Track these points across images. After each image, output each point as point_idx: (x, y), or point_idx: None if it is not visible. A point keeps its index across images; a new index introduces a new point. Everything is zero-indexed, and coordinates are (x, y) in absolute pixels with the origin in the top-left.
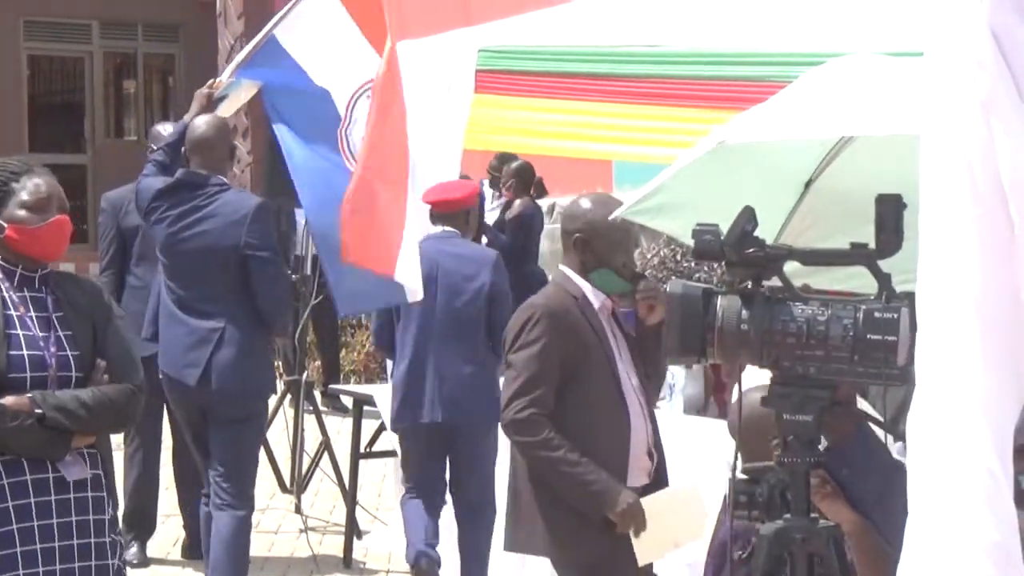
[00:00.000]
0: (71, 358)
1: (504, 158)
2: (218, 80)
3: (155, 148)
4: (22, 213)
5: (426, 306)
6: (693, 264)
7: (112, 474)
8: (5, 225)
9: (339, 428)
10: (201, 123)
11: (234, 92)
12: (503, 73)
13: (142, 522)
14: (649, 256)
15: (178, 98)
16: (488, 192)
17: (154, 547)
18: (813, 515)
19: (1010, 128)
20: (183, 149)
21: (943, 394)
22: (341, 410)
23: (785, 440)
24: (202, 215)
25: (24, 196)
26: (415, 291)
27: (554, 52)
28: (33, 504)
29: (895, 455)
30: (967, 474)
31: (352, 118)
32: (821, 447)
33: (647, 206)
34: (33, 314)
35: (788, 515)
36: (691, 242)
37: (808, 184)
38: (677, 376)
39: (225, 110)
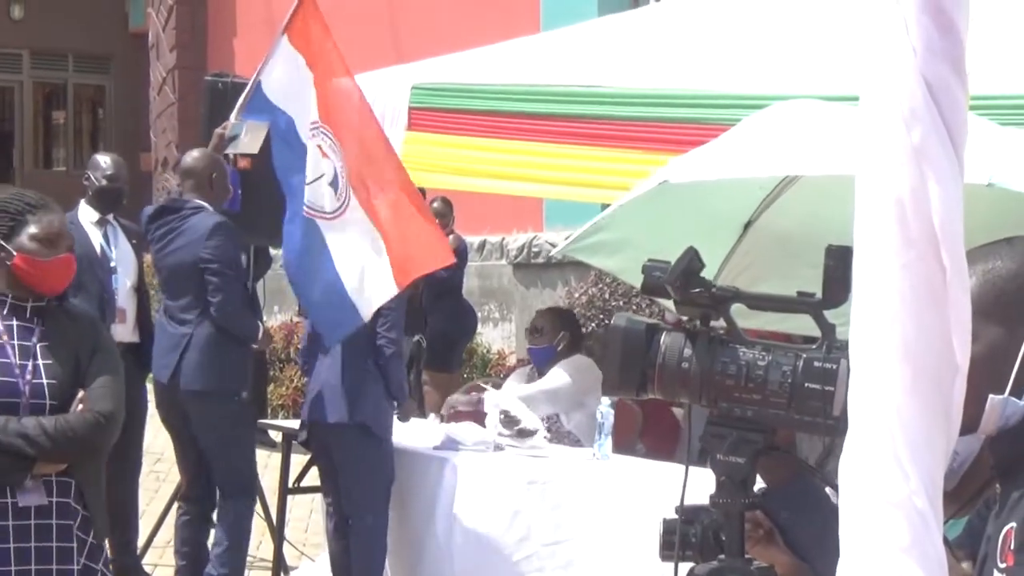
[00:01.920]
0: (46, 386)
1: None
2: (228, 122)
3: (90, 176)
4: (32, 245)
5: None
6: (622, 303)
7: (95, 503)
8: (14, 253)
9: (266, 463)
10: (188, 155)
11: (247, 131)
12: (437, 111)
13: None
14: (577, 295)
15: (108, 129)
16: None
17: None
18: (747, 556)
19: (942, 175)
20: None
21: (873, 437)
22: (269, 445)
23: (719, 481)
24: (175, 235)
25: (35, 229)
26: (368, 308)
27: (487, 91)
28: None
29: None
30: (896, 516)
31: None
32: (759, 490)
33: (587, 243)
34: (16, 342)
35: (722, 556)
36: (628, 279)
37: (747, 225)
38: (607, 416)
39: (249, 147)
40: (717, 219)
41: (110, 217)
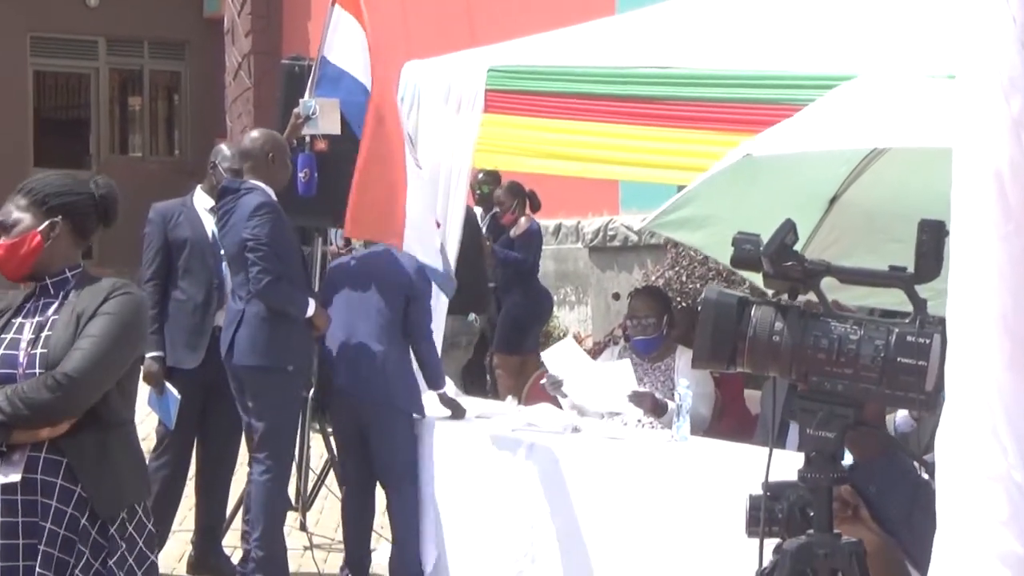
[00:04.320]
0: (38, 356)
1: (491, 174)
2: (301, 101)
3: (216, 165)
4: None
5: None
6: (699, 286)
7: (96, 481)
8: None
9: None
10: (247, 136)
11: (319, 110)
12: (512, 93)
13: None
14: (654, 278)
15: (184, 115)
16: (477, 210)
17: (160, 562)
18: (836, 531)
19: None
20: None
21: (971, 411)
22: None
23: (808, 455)
24: (230, 215)
25: None
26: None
27: (563, 72)
28: None
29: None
30: (995, 489)
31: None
32: (848, 464)
33: (672, 218)
34: (35, 319)
35: (811, 531)
36: (712, 254)
37: (833, 200)
38: (685, 397)
39: (329, 128)
40: (802, 194)
41: None
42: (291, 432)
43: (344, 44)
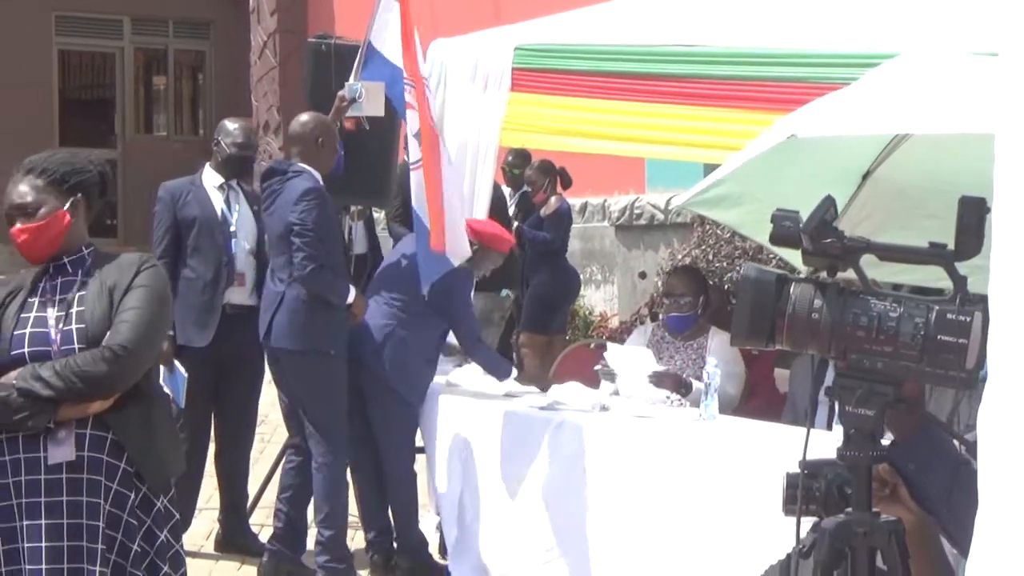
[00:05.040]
0: (74, 332)
1: (521, 155)
2: (347, 84)
3: (220, 142)
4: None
5: None
6: (725, 264)
7: (143, 456)
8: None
9: None
10: (296, 119)
11: (364, 93)
12: (539, 71)
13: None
14: (680, 257)
15: (208, 94)
16: (506, 190)
17: (186, 540)
18: (875, 509)
19: None
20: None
21: (1014, 389)
22: None
23: (847, 433)
24: (275, 197)
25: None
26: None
27: (590, 51)
28: (24, 482)
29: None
30: None
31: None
32: (886, 442)
33: (707, 197)
34: (57, 298)
35: (849, 509)
36: (747, 233)
37: (866, 176)
38: (713, 376)
39: (373, 110)
40: (835, 170)
41: (233, 182)
42: (339, 415)
43: (387, 30)
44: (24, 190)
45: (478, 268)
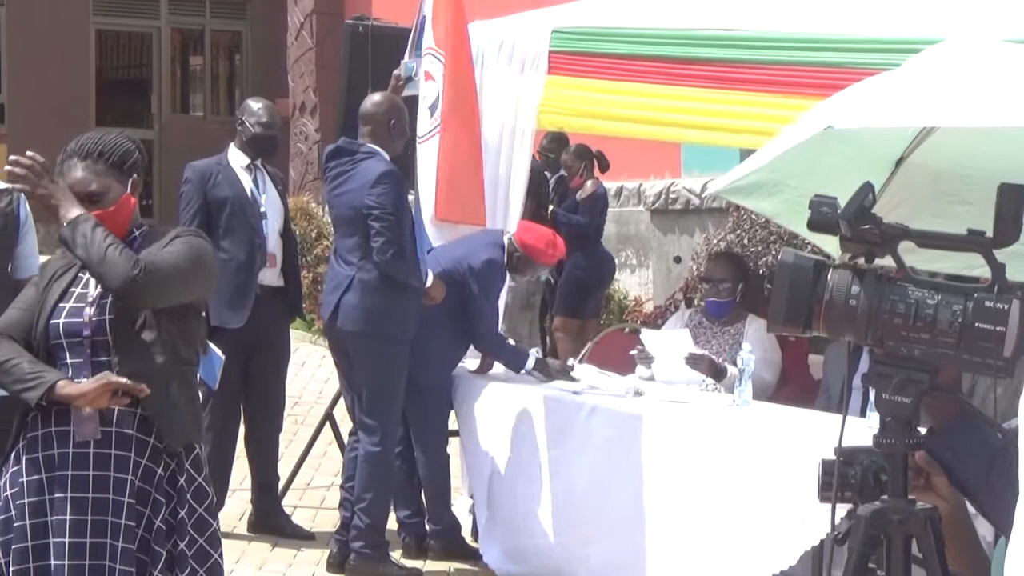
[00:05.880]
0: (106, 323)
1: (557, 139)
2: (402, 63)
3: (244, 122)
4: None
5: None
6: (760, 249)
7: (155, 410)
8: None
9: None
10: (368, 99)
11: (419, 70)
12: (576, 55)
13: None
14: (715, 242)
15: (244, 74)
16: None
17: (219, 521)
18: (911, 497)
19: None
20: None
21: None
22: None
23: (883, 420)
24: (346, 178)
25: None
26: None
27: (627, 34)
28: (55, 456)
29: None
30: None
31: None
32: (924, 430)
33: (742, 184)
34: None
35: (885, 496)
36: (782, 222)
37: (899, 162)
38: (747, 362)
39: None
40: (869, 156)
41: (258, 162)
42: (397, 401)
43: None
44: (87, 176)
45: (519, 274)
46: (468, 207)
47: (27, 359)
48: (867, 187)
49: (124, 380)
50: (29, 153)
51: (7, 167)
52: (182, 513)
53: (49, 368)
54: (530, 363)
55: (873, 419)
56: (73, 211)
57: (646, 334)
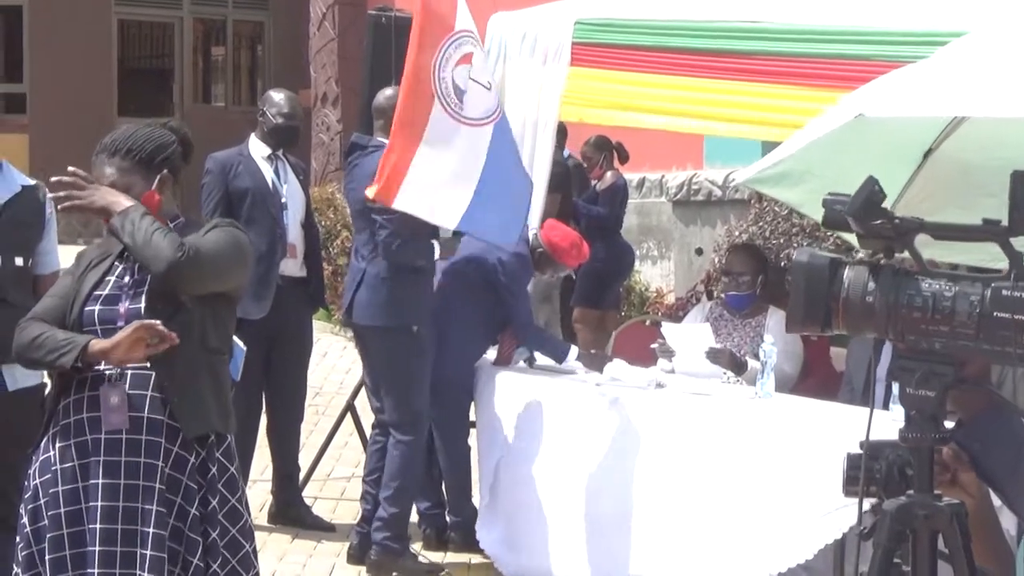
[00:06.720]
0: (142, 311)
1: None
2: None
3: (265, 113)
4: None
5: None
6: (782, 241)
7: (178, 396)
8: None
9: None
10: (381, 93)
11: None
12: (599, 46)
13: None
14: (737, 233)
15: (267, 65)
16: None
17: None
18: (937, 492)
19: None
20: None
21: None
22: None
23: (908, 415)
24: (356, 172)
25: None
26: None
27: (651, 26)
28: (88, 442)
29: None
30: None
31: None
32: (953, 422)
33: (770, 174)
34: (136, 276)
35: (911, 492)
36: (809, 213)
37: (927, 154)
38: (770, 354)
39: None
40: (897, 147)
41: (279, 152)
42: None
43: None
44: (111, 172)
45: (539, 271)
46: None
47: (59, 331)
48: (870, 181)
49: (156, 323)
50: (71, 169)
51: (49, 194)
52: (213, 503)
53: (79, 335)
54: (573, 354)
55: (897, 412)
56: (123, 203)
57: (667, 328)
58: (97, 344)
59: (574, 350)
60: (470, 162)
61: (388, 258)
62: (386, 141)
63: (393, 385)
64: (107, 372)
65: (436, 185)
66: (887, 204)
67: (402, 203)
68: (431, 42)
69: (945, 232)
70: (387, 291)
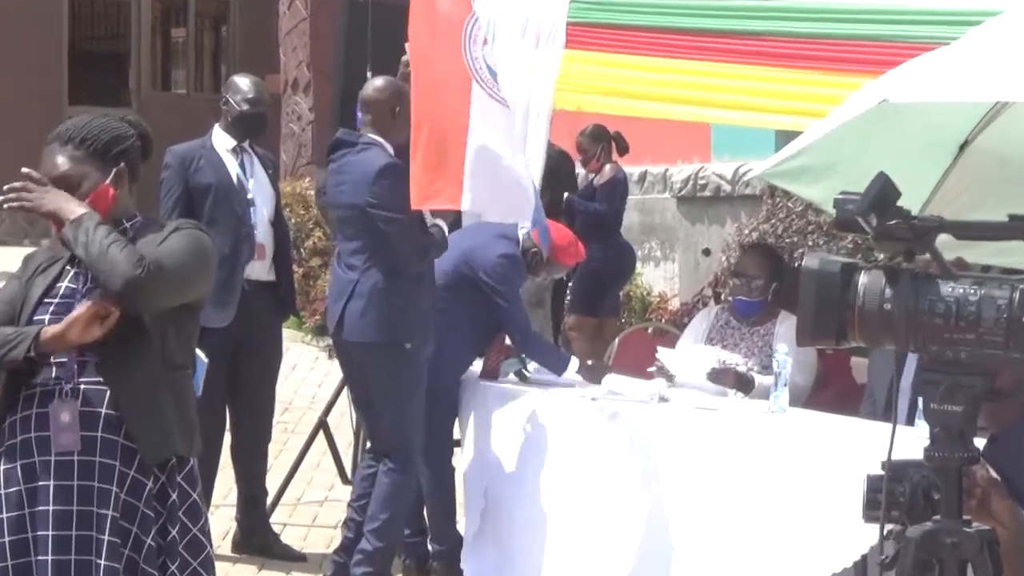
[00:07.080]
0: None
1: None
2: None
3: (229, 100)
4: None
5: None
6: (795, 240)
7: (136, 419)
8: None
9: None
10: (370, 84)
11: None
12: (597, 27)
13: None
14: (747, 231)
15: (232, 48)
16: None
17: None
18: (965, 517)
19: None
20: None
21: None
22: None
23: (933, 432)
24: (344, 172)
25: None
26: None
27: (654, 4)
28: (36, 464)
29: None
30: None
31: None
32: (984, 439)
33: (788, 167)
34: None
35: (937, 517)
36: (828, 209)
37: (963, 146)
38: (783, 365)
39: None
40: (929, 140)
41: (245, 144)
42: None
43: None
44: (62, 161)
45: (532, 273)
46: (440, 186)
47: (6, 327)
48: (880, 178)
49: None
50: (24, 170)
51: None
52: (173, 532)
53: (29, 327)
54: (573, 366)
55: (922, 428)
56: (76, 210)
57: (663, 353)
58: (50, 330)
59: (575, 362)
60: (518, 148)
61: (394, 265)
62: (379, 139)
63: (386, 408)
64: (58, 388)
65: (502, 180)
66: (919, 200)
67: (473, 204)
68: (451, 26)
69: (968, 231)
70: (383, 304)
